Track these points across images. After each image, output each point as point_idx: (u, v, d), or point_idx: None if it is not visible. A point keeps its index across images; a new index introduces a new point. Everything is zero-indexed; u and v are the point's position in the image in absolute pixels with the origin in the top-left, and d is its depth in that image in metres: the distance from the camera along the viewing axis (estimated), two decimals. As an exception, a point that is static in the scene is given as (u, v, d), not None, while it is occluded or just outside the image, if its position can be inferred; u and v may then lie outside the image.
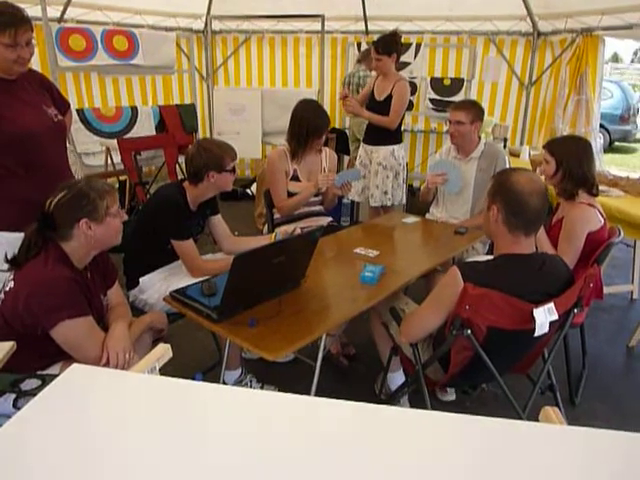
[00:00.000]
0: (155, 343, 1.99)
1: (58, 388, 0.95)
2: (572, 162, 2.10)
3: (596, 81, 5.07)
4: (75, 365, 1.02)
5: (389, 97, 3.48)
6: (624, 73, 15.11)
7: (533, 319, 1.48)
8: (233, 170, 2.23)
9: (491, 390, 2.29)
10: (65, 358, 1.67)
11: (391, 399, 2.23)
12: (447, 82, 5.81)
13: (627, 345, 2.93)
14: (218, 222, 2.47)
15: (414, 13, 5.58)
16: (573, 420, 2.08)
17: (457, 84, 5.79)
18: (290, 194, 2.80)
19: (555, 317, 1.50)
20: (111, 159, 4.75)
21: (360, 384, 2.53)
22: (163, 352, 1.30)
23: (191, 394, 0.96)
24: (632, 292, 3.55)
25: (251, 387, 2.34)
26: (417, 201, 3.34)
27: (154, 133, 5.22)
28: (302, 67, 6.24)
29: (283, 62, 6.24)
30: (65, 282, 1.57)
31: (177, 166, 4.42)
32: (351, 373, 2.63)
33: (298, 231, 2.33)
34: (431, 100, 5.87)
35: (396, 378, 2.27)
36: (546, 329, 1.52)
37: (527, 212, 1.54)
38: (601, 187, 3.27)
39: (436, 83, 5.84)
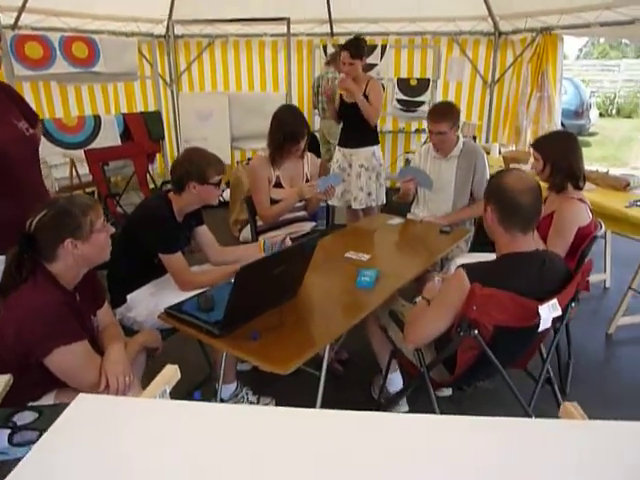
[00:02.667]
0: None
1: (69, 421, 0.88)
2: (557, 155, 2.16)
3: (556, 78, 5.24)
4: (82, 395, 0.96)
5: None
6: (571, 70, 15.74)
7: (538, 316, 1.50)
8: (218, 184, 2.17)
9: (484, 386, 2.32)
10: (59, 386, 1.58)
11: (391, 402, 2.23)
12: (414, 82, 5.89)
13: (606, 332, 3.02)
14: (204, 233, 2.40)
15: (379, 15, 5.62)
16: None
17: (423, 84, 5.87)
18: (273, 201, 2.76)
19: (559, 313, 1.53)
20: (76, 171, 4.57)
21: (356, 389, 2.51)
22: (172, 374, 1.25)
23: (209, 416, 0.90)
24: (605, 281, 3.68)
25: (247, 400, 2.29)
26: (392, 200, 3.37)
27: (119, 142, 5.05)
28: (268, 71, 6.19)
29: (249, 66, 6.18)
30: (57, 307, 1.48)
31: (148, 175, 4.29)
32: (346, 378, 2.61)
33: (288, 240, 2.29)
34: (398, 100, 5.93)
35: (394, 380, 2.27)
36: (549, 324, 1.55)
37: (520, 211, 1.57)
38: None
39: (403, 84, 5.90)
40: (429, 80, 5.86)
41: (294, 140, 2.66)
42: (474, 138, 5.42)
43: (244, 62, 6.16)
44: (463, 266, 1.58)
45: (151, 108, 6.02)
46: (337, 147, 3.75)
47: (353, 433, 0.79)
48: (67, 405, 0.90)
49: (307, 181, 2.86)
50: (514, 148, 5.29)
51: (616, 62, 18.85)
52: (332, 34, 5.89)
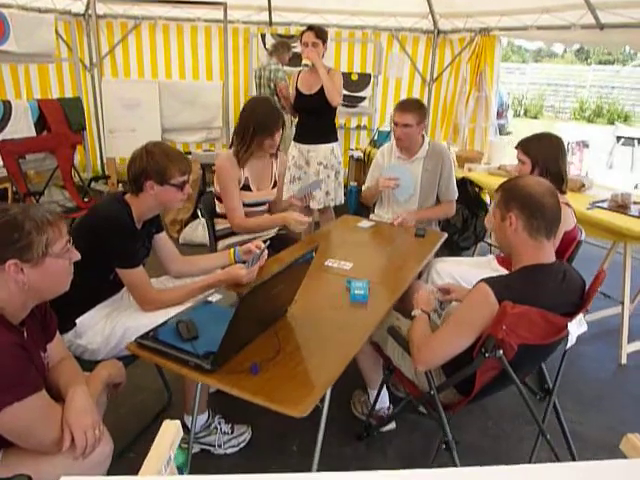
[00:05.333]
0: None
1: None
2: (549, 160, 2.11)
3: (493, 78, 5.38)
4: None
5: (321, 90, 3.29)
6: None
7: (567, 332, 1.40)
8: (182, 186, 1.85)
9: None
10: (6, 446, 1.24)
11: (383, 422, 2.08)
12: (355, 77, 5.77)
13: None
14: (165, 241, 2.08)
15: (320, 6, 5.42)
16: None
17: (364, 79, 5.77)
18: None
19: (585, 328, 1.44)
20: (-18, 165, 3.92)
21: (334, 407, 2.33)
22: (174, 433, 0.99)
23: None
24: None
25: (221, 431, 2.02)
26: (347, 201, 3.23)
27: (33, 132, 4.43)
28: (201, 58, 5.77)
29: (180, 52, 5.71)
30: (4, 351, 1.14)
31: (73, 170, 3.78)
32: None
33: (265, 250, 2.02)
34: (339, 95, 5.78)
35: (382, 397, 2.11)
36: (574, 340, 1.46)
37: (545, 212, 1.48)
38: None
39: (344, 78, 5.74)
40: (370, 75, 5.77)
41: (266, 132, 2.38)
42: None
43: (174, 48, 5.68)
44: (485, 281, 1.45)
45: (68, 94, 5.39)
46: (292, 142, 3.52)
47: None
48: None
49: (275, 184, 2.60)
50: (456, 148, 5.35)
51: (518, 65, 20.26)
52: (271, 23, 5.60)
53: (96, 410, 1.33)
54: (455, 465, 1.60)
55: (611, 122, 16.72)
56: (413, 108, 2.75)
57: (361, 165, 5.13)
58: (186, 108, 5.41)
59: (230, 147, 2.56)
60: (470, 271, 2.34)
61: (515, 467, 0.71)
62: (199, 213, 4.33)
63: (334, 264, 2.16)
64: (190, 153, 5.14)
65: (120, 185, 5.12)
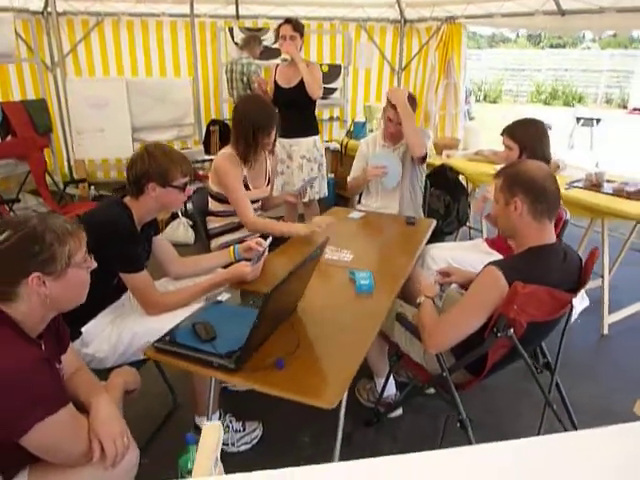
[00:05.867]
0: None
1: None
2: (535, 144, 2.18)
3: (461, 65, 5.49)
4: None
5: (300, 83, 3.29)
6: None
7: (571, 307, 1.48)
8: (183, 187, 1.84)
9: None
10: (33, 461, 1.22)
11: (391, 408, 2.13)
12: (325, 68, 5.74)
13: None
14: (163, 243, 2.05)
15: (287, -2, 5.40)
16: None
17: (335, 71, 5.79)
18: None
19: (587, 302, 1.52)
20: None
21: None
22: (217, 434, 1.01)
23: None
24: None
25: (233, 429, 2.03)
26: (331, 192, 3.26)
27: (-3, 136, 4.26)
28: (168, 54, 5.64)
29: (145, 49, 5.56)
30: (32, 366, 1.12)
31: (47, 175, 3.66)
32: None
33: (266, 246, 2.02)
34: (310, 87, 5.78)
35: (390, 384, 2.16)
36: (577, 315, 1.54)
37: (548, 196, 1.55)
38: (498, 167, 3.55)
39: (314, 70, 5.74)
40: (340, 66, 5.79)
41: (265, 132, 2.37)
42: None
43: (140, 45, 5.52)
44: (493, 264, 1.51)
45: (30, 96, 5.20)
46: (274, 137, 3.51)
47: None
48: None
49: (269, 180, 2.60)
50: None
51: (475, 52, 20.64)
52: (238, 16, 5.53)
53: (122, 419, 1.32)
54: (470, 442, 1.67)
55: (566, 104, 17.33)
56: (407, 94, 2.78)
57: (338, 156, 5.15)
58: (156, 106, 5.28)
59: (221, 147, 2.53)
60: (463, 255, 2.41)
61: (539, 439, 0.75)
62: (179, 213, 4.27)
63: (334, 256, 2.18)
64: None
65: (92, 188, 4.98)
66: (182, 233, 4.26)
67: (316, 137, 3.41)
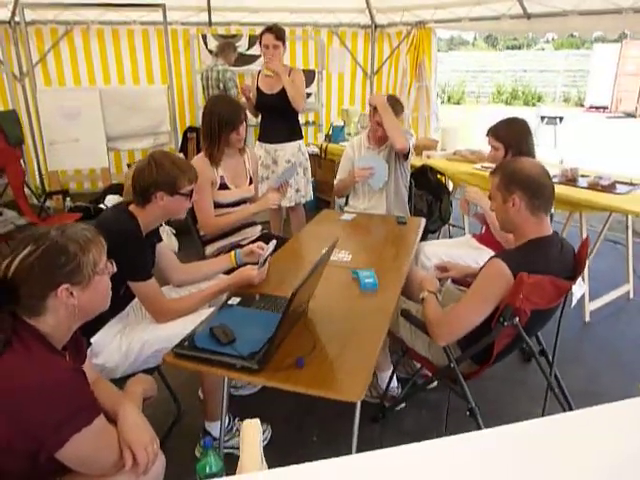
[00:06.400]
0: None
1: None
2: (520, 142, 2.28)
3: (432, 69, 5.64)
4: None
5: (283, 90, 3.33)
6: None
7: (571, 294, 1.57)
8: (190, 195, 1.87)
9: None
10: (64, 473, 1.22)
11: (396, 402, 2.18)
12: (299, 74, 5.82)
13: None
14: (166, 251, 2.07)
15: (259, 4, 5.42)
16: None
17: (309, 76, 5.80)
18: (220, 205, 2.48)
19: (585, 289, 1.61)
20: None
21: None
22: (256, 430, 1.05)
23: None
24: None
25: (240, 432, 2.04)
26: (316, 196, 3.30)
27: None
28: (140, 63, 5.58)
29: (117, 57, 5.48)
30: (69, 378, 1.13)
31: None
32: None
33: (271, 249, 2.05)
34: (286, 93, 5.82)
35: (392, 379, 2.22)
36: (575, 301, 1.63)
37: (544, 192, 1.64)
38: (485, 164, 3.68)
39: (289, 75, 5.79)
40: (314, 72, 5.85)
41: (230, 126, 2.40)
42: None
43: (111, 53, 5.45)
44: (498, 257, 1.59)
45: (-1, 107, 5.05)
46: (258, 142, 3.54)
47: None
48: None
49: (250, 180, 2.63)
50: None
51: (439, 55, 21.12)
52: (210, 23, 5.52)
53: (149, 426, 1.33)
54: (480, 428, 1.74)
55: (526, 103, 17.94)
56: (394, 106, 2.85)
57: (317, 160, 5.21)
58: (131, 114, 5.22)
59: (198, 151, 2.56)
60: (455, 251, 2.50)
61: (555, 417, 0.80)
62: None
63: (334, 257, 2.22)
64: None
65: (68, 199, 4.87)
66: (166, 241, 4.21)
67: (300, 141, 3.45)
